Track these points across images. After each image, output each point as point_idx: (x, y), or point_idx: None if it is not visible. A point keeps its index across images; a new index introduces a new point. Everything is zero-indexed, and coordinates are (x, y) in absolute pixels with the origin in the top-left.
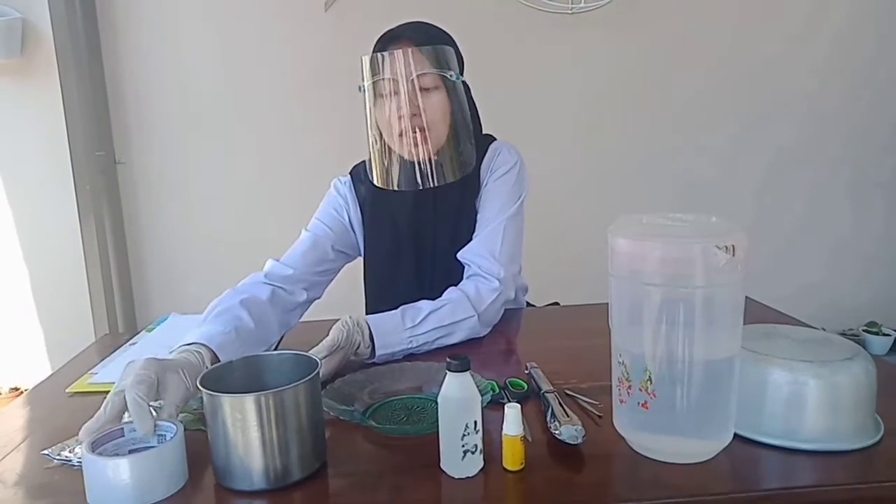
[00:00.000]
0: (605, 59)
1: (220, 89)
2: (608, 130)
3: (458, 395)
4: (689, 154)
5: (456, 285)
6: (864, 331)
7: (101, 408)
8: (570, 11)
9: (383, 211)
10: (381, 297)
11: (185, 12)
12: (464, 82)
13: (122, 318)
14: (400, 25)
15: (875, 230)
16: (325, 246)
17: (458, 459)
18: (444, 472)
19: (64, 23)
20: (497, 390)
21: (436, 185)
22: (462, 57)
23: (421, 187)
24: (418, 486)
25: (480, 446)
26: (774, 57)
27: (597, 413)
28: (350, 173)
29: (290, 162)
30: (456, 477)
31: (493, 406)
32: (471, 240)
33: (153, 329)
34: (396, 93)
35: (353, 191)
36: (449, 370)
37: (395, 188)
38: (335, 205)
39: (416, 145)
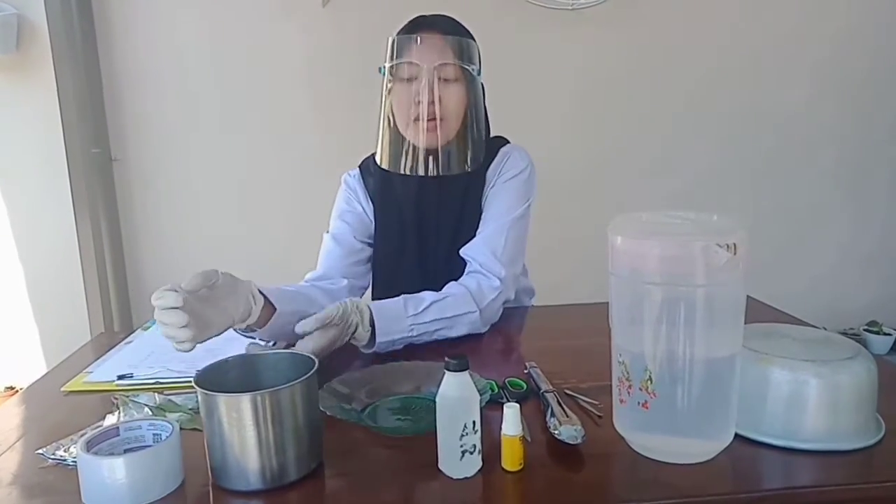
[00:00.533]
0: (606, 55)
1: (216, 86)
2: (608, 127)
3: (456, 394)
4: (689, 151)
5: (457, 280)
6: (865, 330)
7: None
8: (570, 7)
9: (391, 204)
10: (386, 288)
11: (181, 8)
12: (482, 84)
13: (118, 317)
14: (433, 15)
15: (876, 230)
16: (348, 239)
17: (457, 459)
18: (442, 472)
19: (60, 18)
20: (496, 390)
21: (440, 174)
22: (481, 59)
23: (424, 174)
24: (416, 486)
25: (479, 446)
26: (774, 53)
27: (596, 413)
28: (360, 167)
29: (287, 159)
30: (454, 477)
31: (492, 406)
32: (472, 236)
33: (149, 328)
34: (417, 78)
35: (363, 183)
36: (447, 369)
37: (400, 172)
38: (347, 198)
39: (427, 132)
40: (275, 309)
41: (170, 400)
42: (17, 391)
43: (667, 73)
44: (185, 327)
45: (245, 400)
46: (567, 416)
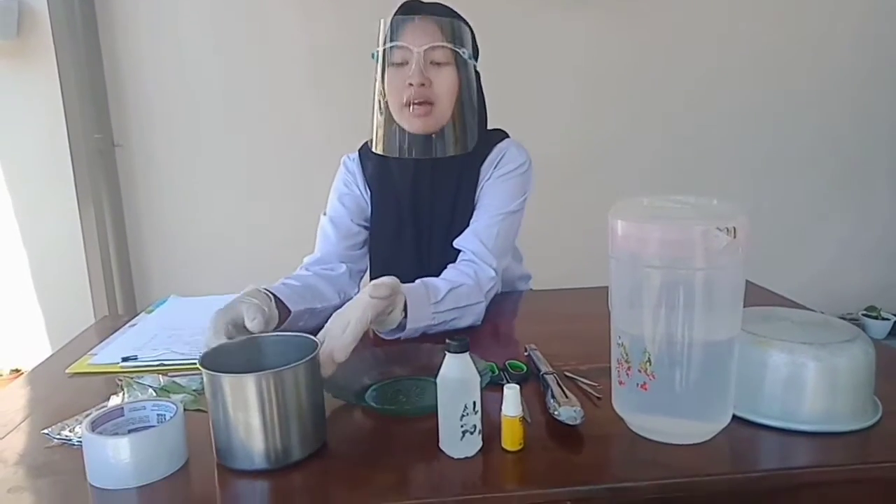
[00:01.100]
0: (608, 43)
1: (219, 71)
2: (610, 113)
3: (457, 375)
4: (691, 137)
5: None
6: (863, 315)
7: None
8: None
9: (388, 189)
10: (383, 271)
11: None
12: (476, 71)
13: (122, 301)
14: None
15: (875, 218)
16: (346, 222)
17: (457, 440)
18: (443, 452)
19: (60, 4)
20: (496, 372)
21: (433, 156)
22: (478, 46)
23: (415, 157)
24: (418, 465)
25: (479, 427)
26: (780, 41)
27: (595, 394)
28: (359, 151)
29: (290, 144)
30: (455, 457)
31: (493, 387)
32: (466, 228)
33: (152, 311)
34: (408, 62)
35: (362, 168)
36: (448, 351)
37: (393, 155)
38: (346, 180)
39: (418, 117)
40: (289, 312)
41: (174, 381)
42: (22, 374)
43: (670, 62)
44: None
45: (249, 380)
46: (566, 398)
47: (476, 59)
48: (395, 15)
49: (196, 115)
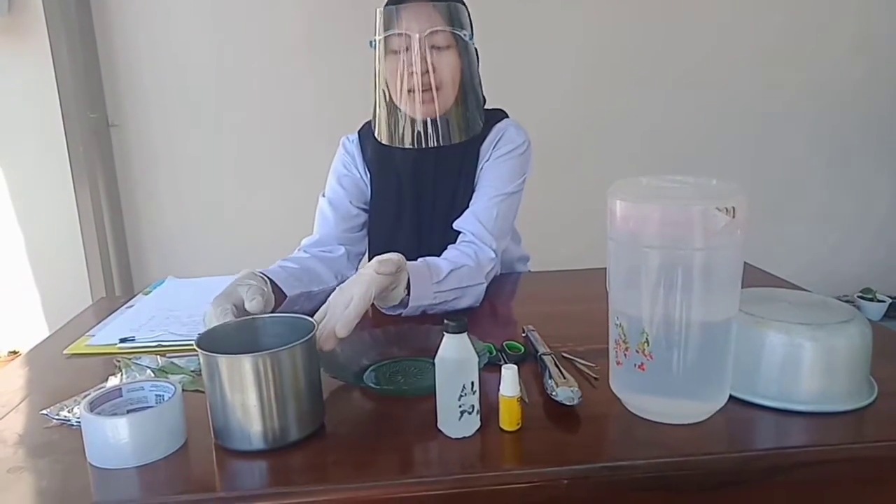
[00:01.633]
0: (608, 23)
1: (214, 49)
2: (608, 94)
3: (455, 356)
4: (689, 118)
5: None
6: (858, 297)
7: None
8: None
9: (388, 170)
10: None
11: None
12: (475, 49)
13: (119, 282)
14: None
15: (872, 198)
16: (344, 204)
17: (456, 420)
18: (441, 432)
19: None
20: (494, 352)
21: (439, 144)
22: (472, 22)
23: (424, 146)
24: (416, 445)
25: (477, 407)
26: (781, 23)
27: (593, 375)
28: (358, 132)
29: (287, 125)
30: (453, 437)
31: (491, 368)
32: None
33: (150, 292)
34: (408, 49)
35: (361, 149)
36: (447, 331)
37: (400, 145)
38: (345, 161)
39: (423, 104)
40: (285, 296)
41: (172, 362)
42: (19, 355)
43: (668, 44)
44: None
45: (246, 361)
46: (564, 378)
47: (472, 36)
48: (390, 1)
49: (192, 94)
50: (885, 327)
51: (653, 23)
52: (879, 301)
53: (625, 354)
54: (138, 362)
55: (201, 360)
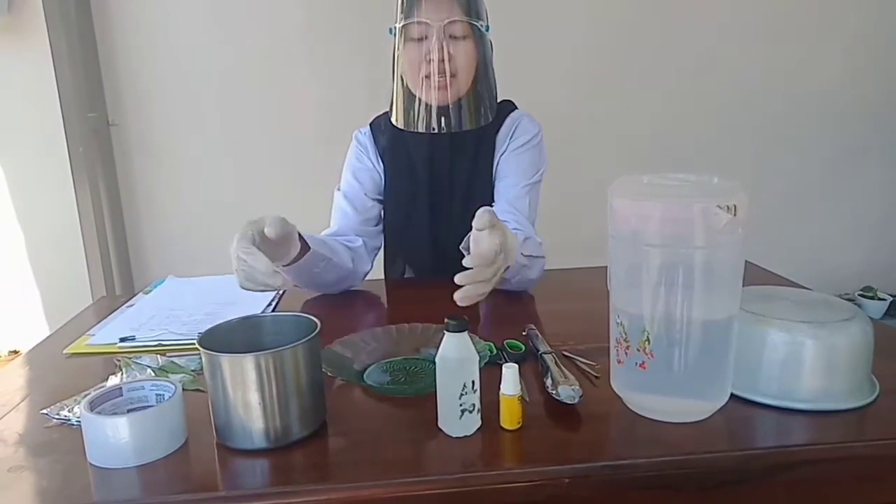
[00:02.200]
0: (608, 16)
1: (214, 47)
2: (608, 88)
3: (456, 355)
4: (689, 116)
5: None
6: (859, 295)
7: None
8: None
9: (402, 160)
10: (397, 243)
11: None
12: (490, 41)
13: (119, 281)
14: None
15: (873, 196)
16: (360, 197)
17: (456, 418)
18: (441, 430)
19: None
20: (494, 351)
21: (452, 129)
22: (488, 16)
23: (437, 131)
24: (417, 444)
25: (478, 405)
26: (781, 17)
27: (594, 374)
28: (370, 125)
29: (285, 123)
30: (454, 436)
31: (492, 367)
32: (485, 199)
33: (150, 291)
34: (427, 37)
35: (374, 141)
36: (447, 330)
37: (415, 130)
38: (358, 154)
39: (438, 90)
40: (308, 248)
41: (172, 361)
42: (20, 355)
43: (667, 39)
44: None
45: (248, 360)
46: (565, 377)
47: (489, 28)
48: None
49: (192, 93)
50: (886, 325)
51: (654, 19)
52: (881, 299)
53: (626, 353)
54: (139, 361)
55: (203, 359)
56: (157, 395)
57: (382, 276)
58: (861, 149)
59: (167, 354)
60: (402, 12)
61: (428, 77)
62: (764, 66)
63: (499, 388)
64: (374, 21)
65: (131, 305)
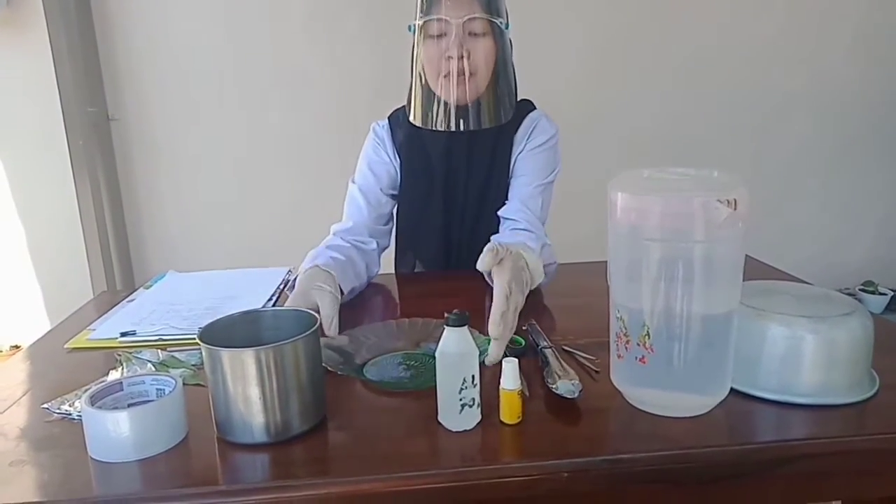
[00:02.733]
0: (609, 10)
1: (215, 41)
2: (609, 84)
3: (455, 349)
4: (691, 109)
5: (483, 236)
6: (860, 290)
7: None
8: None
9: (419, 155)
10: (410, 239)
11: None
12: (509, 38)
13: (120, 275)
14: None
15: (874, 191)
16: (375, 191)
17: (456, 413)
18: (441, 425)
19: None
20: None
21: (470, 128)
22: (508, 13)
23: (454, 129)
24: (417, 438)
25: (478, 400)
26: (788, 10)
27: (594, 368)
28: (389, 118)
29: (285, 119)
30: (454, 430)
31: None
32: (499, 197)
33: (151, 286)
34: (446, 34)
35: (391, 135)
36: (447, 325)
37: (432, 127)
38: (375, 147)
39: (457, 87)
40: (342, 292)
41: (173, 356)
42: (21, 349)
43: (666, 37)
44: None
45: (248, 355)
46: (565, 371)
47: (508, 26)
48: None
49: (192, 88)
50: (886, 320)
51: (653, 17)
52: (881, 294)
53: (626, 347)
54: (139, 356)
55: (204, 354)
56: (157, 389)
57: (392, 270)
58: (862, 144)
59: (168, 349)
60: (421, 9)
61: (447, 76)
62: (765, 62)
63: (499, 383)
64: (377, 17)
65: (132, 300)
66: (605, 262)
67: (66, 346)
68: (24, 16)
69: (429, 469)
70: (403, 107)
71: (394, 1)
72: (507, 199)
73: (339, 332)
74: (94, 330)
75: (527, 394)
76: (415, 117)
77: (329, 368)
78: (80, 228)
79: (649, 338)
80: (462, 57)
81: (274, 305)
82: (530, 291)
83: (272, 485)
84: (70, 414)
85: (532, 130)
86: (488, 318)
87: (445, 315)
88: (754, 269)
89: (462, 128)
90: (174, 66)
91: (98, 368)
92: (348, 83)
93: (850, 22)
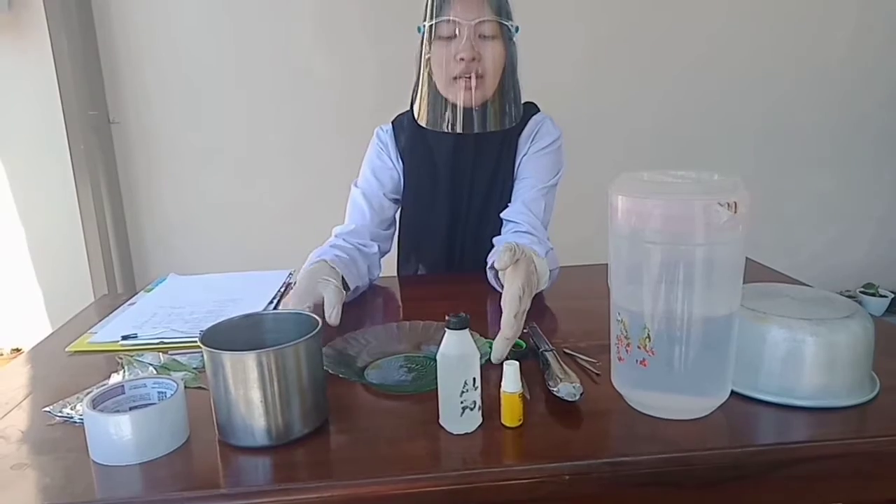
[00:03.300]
0: (609, 10)
1: (216, 44)
2: (609, 86)
3: (456, 352)
4: (691, 111)
5: (486, 239)
6: (861, 292)
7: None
8: None
9: (423, 155)
10: (413, 243)
11: None
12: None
13: (121, 279)
14: None
15: (873, 193)
16: (378, 195)
17: (457, 416)
18: (443, 427)
19: None
20: None
21: (477, 131)
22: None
23: (462, 132)
24: (418, 441)
25: (479, 403)
26: (782, 12)
27: (595, 371)
28: (393, 123)
29: (287, 122)
30: (455, 433)
31: (492, 364)
32: (504, 200)
33: (152, 289)
34: (456, 36)
35: (395, 140)
36: (448, 328)
37: (440, 129)
38: (378, 152)
39: (466, 90)
40: (347, 288)
41: (174, 359)
42: (22, 353)
43: (666, 41)
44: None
45: (250, 358)
46: (566, 374)
47: (518, 29)
48: None
49: (193, 90)
50: (887, 322)
51: (653, 16)
52: (882, 296)
53: (626, 350)
54: (141, 359)
55: (205, 357)
56: (159, 392)
57: (394, 273)
58: (862, 145)
59: (169, 352)
60: (431, 11)
61: (456, 78)
62: (764, 63)
63: (500, 386)
64: (381, 18)
65: (133, 303)
66: (606, 264)
67: (67, 349)
68: (26, 20)
69: (430, 472)
70: (408, 111)
71: (398, 2)
72: (510, 201)
73: (341, 334)
74: (95, 333)
75: (528, 396)
76: (422, 119)
77: (330, 371)
78: (82, 232)
79: (650, 340)
80: (472, 59)
81: (275, 308)
82: None
83: (274, 488)
84: (71, 417)
85: (536, 133)
86: (489, 320)
87: (446, 318)
88: (755, 272)
89: (469, 130)
90: (175, 69)
91: (99, 372)
92: (351, 86)
93: (850, 22)
